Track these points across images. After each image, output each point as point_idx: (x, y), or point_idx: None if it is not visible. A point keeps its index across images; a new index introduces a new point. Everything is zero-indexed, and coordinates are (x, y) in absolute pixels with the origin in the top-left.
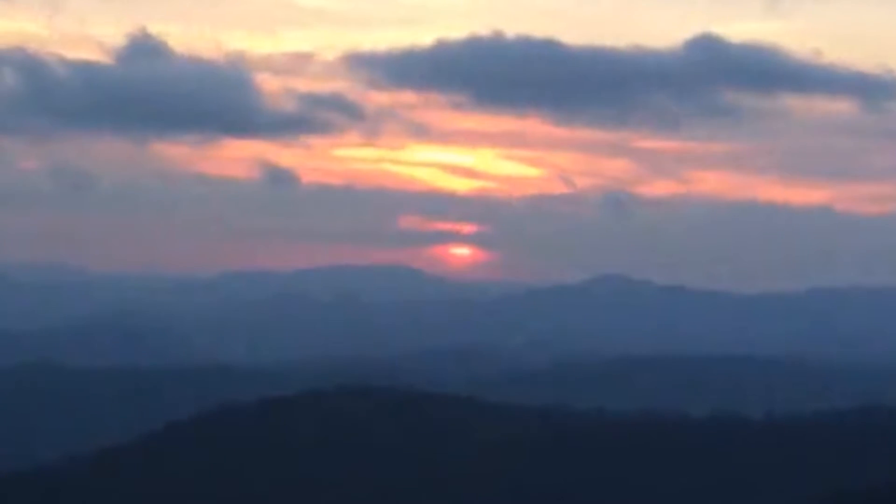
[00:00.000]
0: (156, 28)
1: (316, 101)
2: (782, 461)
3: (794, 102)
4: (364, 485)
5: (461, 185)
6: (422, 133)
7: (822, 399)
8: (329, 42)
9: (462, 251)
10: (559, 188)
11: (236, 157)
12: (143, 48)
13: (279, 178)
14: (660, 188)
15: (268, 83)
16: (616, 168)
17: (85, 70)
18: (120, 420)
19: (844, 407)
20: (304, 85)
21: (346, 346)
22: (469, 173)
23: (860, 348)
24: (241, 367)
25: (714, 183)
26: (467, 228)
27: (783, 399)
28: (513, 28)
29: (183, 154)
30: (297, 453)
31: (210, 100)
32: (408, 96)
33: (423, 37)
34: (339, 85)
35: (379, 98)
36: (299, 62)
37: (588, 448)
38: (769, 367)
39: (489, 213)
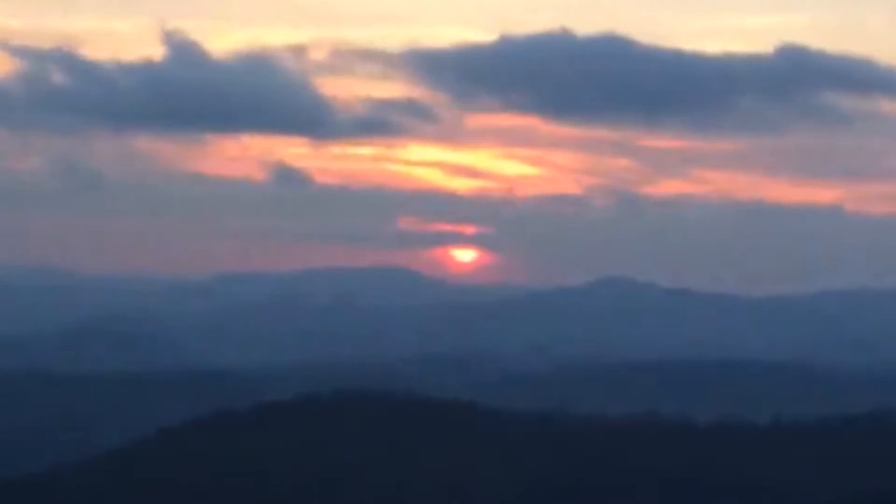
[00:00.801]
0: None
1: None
2: (790, 467)
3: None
4: (362, 491)
5: (461, 186)
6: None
7: (830, 404)
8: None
9: (462, 253)
10: (561, 188)
11: (234, 156)
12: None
13: (274, 177)
14: (665, 188)
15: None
16: (620, 168)
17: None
18: (111, 426)
19: (853, 412)
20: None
21: (344, 350)
22: (470, 173)
23: (869, 352)
24: (235, 371)
25: (721, 183)
26: (468, 230)
27: (791, 404)
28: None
29: (178, 153)
30: (293, 459)
31: (208, 96)
32: (456, 96)
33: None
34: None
35: (423, 96)
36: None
37: (590, 454)
38: (776, 371)
39: (490, 215)
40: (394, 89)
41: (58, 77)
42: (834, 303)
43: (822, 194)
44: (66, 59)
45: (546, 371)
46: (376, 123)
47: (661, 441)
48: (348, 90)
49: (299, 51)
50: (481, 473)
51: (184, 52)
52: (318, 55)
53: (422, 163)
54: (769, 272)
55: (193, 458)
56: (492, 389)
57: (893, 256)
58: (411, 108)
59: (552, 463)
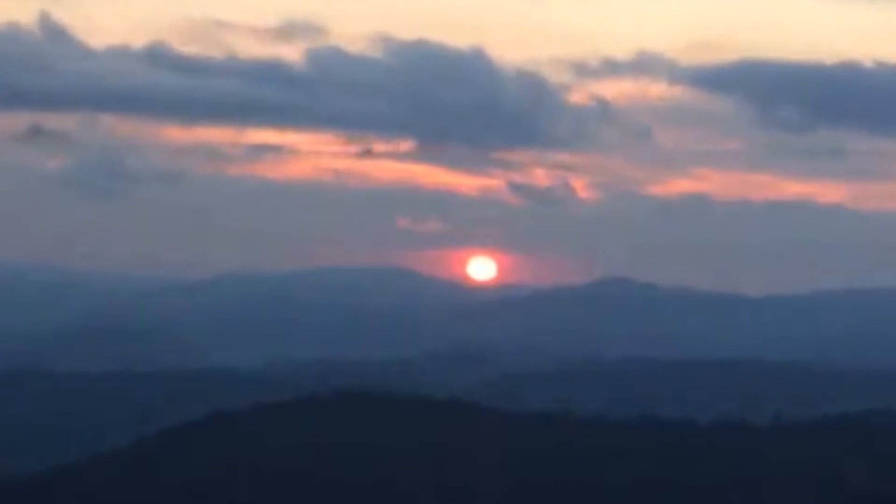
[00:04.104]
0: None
1: None
2: (791, 466)
3: None
4: (362, 491)
5: (462, 185)
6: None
7: (830, 404)
8: None
9: (462, 252)
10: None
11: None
12: None
13: (277, 175)
14: (666, 187)
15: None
16: (620, 166)
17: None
18: (110, 427)
19: (853, 412)
20: None
21: (344, 349)
22: (473, 174)
23: (869, 352)
24: (234, 371)
25: (721, 181)
26: (468, 229)
27: (791, 404)
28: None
29: (178, 150)
30: (293, 459)
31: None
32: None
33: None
34: None
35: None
36: None
37: (590, 454)
38: (776, 371)
39: (491, 214)
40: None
41: None
42: (834, 302)
43: (824, 193)
44: None
45: (546, 371)
46: None
47: (661, 441)
48: None
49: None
50: (481, 473)
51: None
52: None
53: (422, 162)
54: (771, 271)
55: (193, 459)
56: (492, 389)
57: (894, 255)
58: None
59: (552, 463)
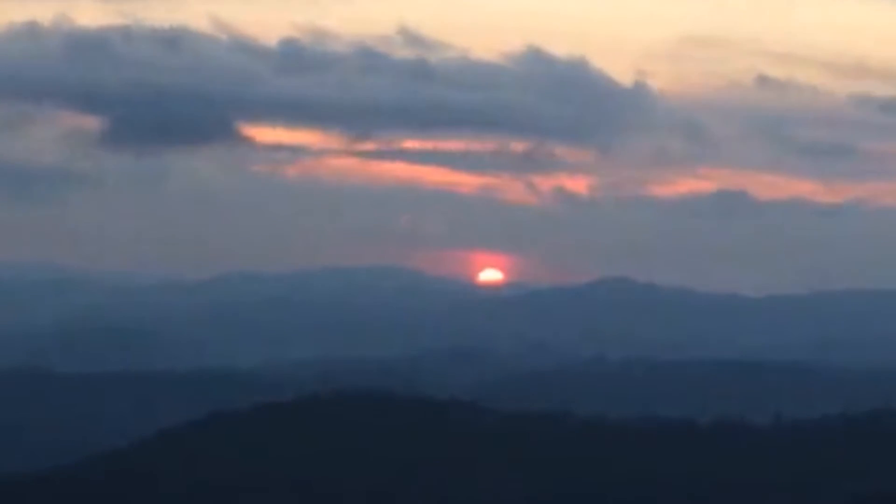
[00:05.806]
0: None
1: None
2: (790, 467)
3: None
4: (362, 492)
5: (463, 184)
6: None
7: (830, 404)
8: None
9: (463, 252)
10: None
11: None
12: None
13: (274, 173)
14: (666, 187)
15: None
16: (623, 166)
17: None
18: (110, 427)
19: (853, 412)
20: None
21: (344, 349)
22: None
23: (870, 352)
24: (234, 371)
25: (723, 180)
26: (467, 228)
27: (791, 404)
28: None
29: (176, 148)
30: (293, 460)
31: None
32: None
33: None
34: None
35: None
36: None
37: (590, 454)
38: (776, 371)
39: (491, 213)
40: None
41: None
42: (834, 302)
43: (824, 193)
44: None
45: (546, 371)
46: None
47: (661, 441)
48: None
49: None
50: (481, 473)
51: None
52: None
53: (422, 161)
54: (771, 271)
55: (193, 459)
56: (493, 389)
57: (893, 255)
58: None
59: (552, 463)
